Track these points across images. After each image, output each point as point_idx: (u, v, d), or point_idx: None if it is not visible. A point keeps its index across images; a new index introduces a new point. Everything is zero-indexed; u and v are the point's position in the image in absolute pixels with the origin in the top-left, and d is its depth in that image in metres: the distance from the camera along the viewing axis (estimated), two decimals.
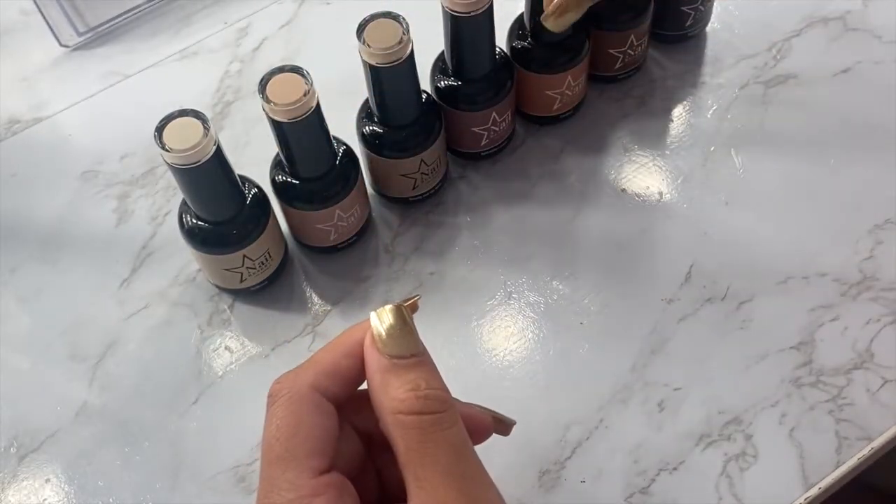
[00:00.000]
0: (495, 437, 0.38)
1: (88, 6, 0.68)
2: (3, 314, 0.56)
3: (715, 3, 0.64)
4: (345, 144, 0.53)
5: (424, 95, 0.54)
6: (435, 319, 0.54)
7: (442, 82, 0.55)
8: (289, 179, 0.52)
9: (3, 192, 0.61)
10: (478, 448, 0.34)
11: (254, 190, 0.52)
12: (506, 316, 0.54)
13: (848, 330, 0.53)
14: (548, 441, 0.50)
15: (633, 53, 0.60)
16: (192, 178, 0.47)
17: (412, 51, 0.48)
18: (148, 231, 0.59)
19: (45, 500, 0.50)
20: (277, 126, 0.47)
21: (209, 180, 0.48)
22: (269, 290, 0.56)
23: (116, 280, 0.57)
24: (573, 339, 0.53)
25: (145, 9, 0.68)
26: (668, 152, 0.60)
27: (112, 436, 0.52)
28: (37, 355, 0.55)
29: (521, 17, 0.57)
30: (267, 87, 0.46)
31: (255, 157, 0.57)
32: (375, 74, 0.49)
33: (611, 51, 0.59)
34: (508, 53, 0.57)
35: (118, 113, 0.64)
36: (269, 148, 0.51)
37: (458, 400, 0.35)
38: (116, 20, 0.68)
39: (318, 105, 0.47)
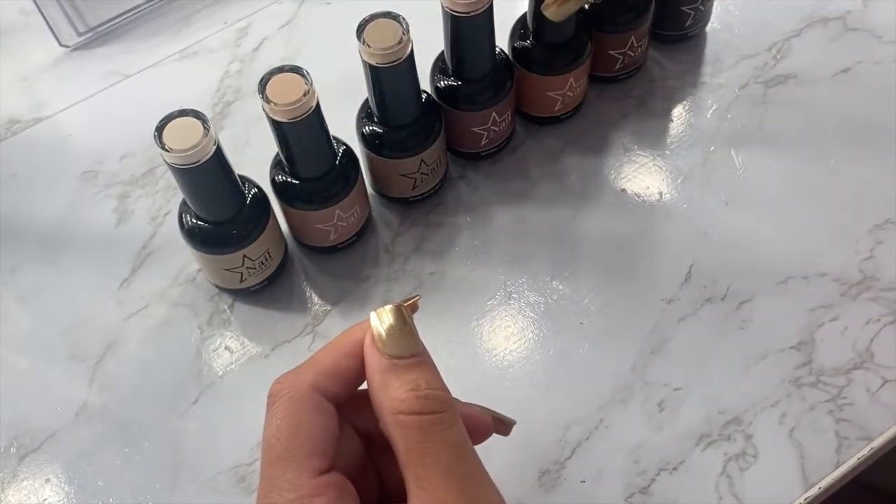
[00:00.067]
0: (495, 437, 0.38)
1: (88, 6, 0.68)
2: (3, 314, 0.56)
3: (715, 3, 0.64)
4: (345, 144, 0.53)
5: (424, 95, 0.54)
6: (435, 319, 0.54)
7: (442, 82, 0.55)
8: (289, 179, 0.52)
9: (3, 192, 0.61)
10: (478, 448, 0.34)
11: (254, 190, 0.52)
12: (506, 316, 0.54)
13: (848, 330, 0.53)
14: (548, 441, 0.50)
15: (633, 54, 0.60)
16: (192, 178, 0.47)
17: (412, 51, 0.48)
18: (148, 231, 0.59)
19: (45, 500, 0.50)
20: (277, 126, 0.47)
21: (209, 180, 0.48)
22: (269, 290, 0.56)
23: (116, 280, 0.57)
24: (573, 339, 0.53)
25: (145, 9, 0.68)
26: (668, 152, 0.60)
27: (112, 436, 0.52)
28: (37, 355, 0.55)
29: (522, 17, 0.57)
30: (267, 87, 0.46)
31: (255, 157, 0.57)
32: (375, 74, 0.49)
33: (611, 52, 0.59)
34: (510, 54, 0.57)
35: (118, 113, 0.64)
36: (269, 148, 0.51)
37: (458, 400, 0.35)
38: (116, 20, 0.68)
39: (318, 105, 0.47)
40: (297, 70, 0.47)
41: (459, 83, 0.54)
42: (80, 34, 0.67)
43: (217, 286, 0.55)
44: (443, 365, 0.35)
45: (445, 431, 0.32)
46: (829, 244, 0.56)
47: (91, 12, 0.67)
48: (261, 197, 0.52)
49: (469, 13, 0.49)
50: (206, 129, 0.45)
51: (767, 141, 0.60)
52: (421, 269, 0.56)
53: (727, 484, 0.48)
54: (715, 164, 0.59)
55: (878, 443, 0.49)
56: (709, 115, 0.61)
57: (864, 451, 0.49)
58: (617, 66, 0.61)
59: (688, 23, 0.62)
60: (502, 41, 0.55)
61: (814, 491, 0.48)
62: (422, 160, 0.54)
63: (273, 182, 0.52)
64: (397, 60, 0.48)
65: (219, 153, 0.46)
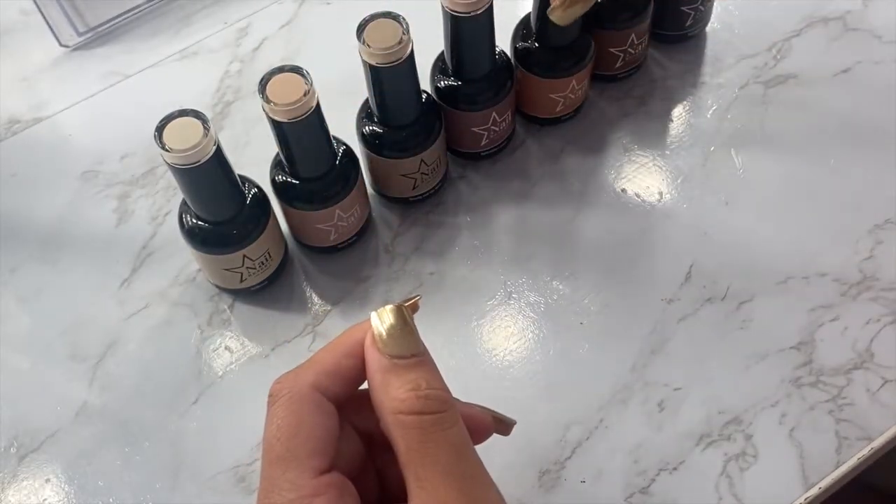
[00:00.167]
0: (495, 437, 0.38)
1: (88, 6, 0.68)
2: (3, 314, 0.56)
3: (715, 3, 0.64)
4: (345, 144, 0.53)
5: (424, 95, 0.54)
6: (435, 319, 0.54)
7: (442, 82, 0.55)
8: (289, 179, 0.52)
9: (3, 192, 0.61)
10: (478, 448, 0.34)
11: (254, 190, 0.52)
12: (506, 316, 0.54)
13: (848, 330, 0.53)
14: (548, 441, 0.50)
15: (633, 52, 0.60)
16: (192, 178, 0.47)
17: (412, 51, 0.48)
18: (148, 231, 0.59)
19: (45, 500, 0.50)
20: (277, 126, 0.47)
21: (209, 180, 0.48)
22: (269, 290, 0.56)
23: (116, 280, 0.57)
24: (573, 339, 0.53)
25: (145, 9, 0.68)
26: (668, 152, 0.60)
27: (112, 436, 0.52)
28: (37, 355, 0.55)
29: (525, 18, 0.57)
30: (267, 87, 0.46)
31: (255, 157, 0.57)
32: (375, 74, 0.49)
33: (611, 50, 0.59)
34: (513, 55, 0.57)
35: (118, 113, 0.64)
36: (269, 148, 0.51)
37: (458, 400, 0.35)
38: (116, 20, 0.68)
39: (318, 105, 0.47)
40: (297, 70, 0.47)
41: (459, 83, 0.54)
42: (80, 34, 0.67)
43: (217, 286, 0.55)
44: (443, 365, 0.35)
45: (446, 431, 0.32)
46: (829, 244, 0.56)
47: (91, 12, 0.67)
48: (261, 197, 0.52)
49: (469, 13, 0.49)
50: (206, 129, 0.45)
51: (767, 141, 0.60)
52: (421, 269, 0.56)
53: (727, 484, 0.48)
54: (715, 164, 0.59)
55: (878, 443, 0.49)
56: (709, 115, 0.61)
57: (864, 451, 0.49)
58: (617, 65, 0.61)
59: (688, 23, 0.62)
60: (502, 41, 0.55)
61: (814, 491, 0.48)
62: (422, 160, 0.54)
63: (273, 182, 0.52)
64: (397, 60, 0.48)
65: (219, 153, 0.46)
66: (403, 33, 0.47)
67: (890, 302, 0.53)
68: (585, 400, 0.51)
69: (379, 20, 0.48)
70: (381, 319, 0.34)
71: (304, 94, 0.46)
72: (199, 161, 0.45)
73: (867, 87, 0.62)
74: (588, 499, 0.48)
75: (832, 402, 0.50)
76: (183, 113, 0.46)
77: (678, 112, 0.62)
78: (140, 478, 0.50)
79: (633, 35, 0.59)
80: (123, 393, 0.53)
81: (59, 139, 0.64)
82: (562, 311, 0.54)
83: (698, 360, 0.52)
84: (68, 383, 0.54)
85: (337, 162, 0.52)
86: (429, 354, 0.34)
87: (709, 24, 0.65)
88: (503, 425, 0.39)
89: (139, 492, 0.50)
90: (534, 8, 0.55)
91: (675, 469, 0.49)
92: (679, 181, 0.59)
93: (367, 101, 0.53)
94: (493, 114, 0.55)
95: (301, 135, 0.48)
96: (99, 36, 0.68)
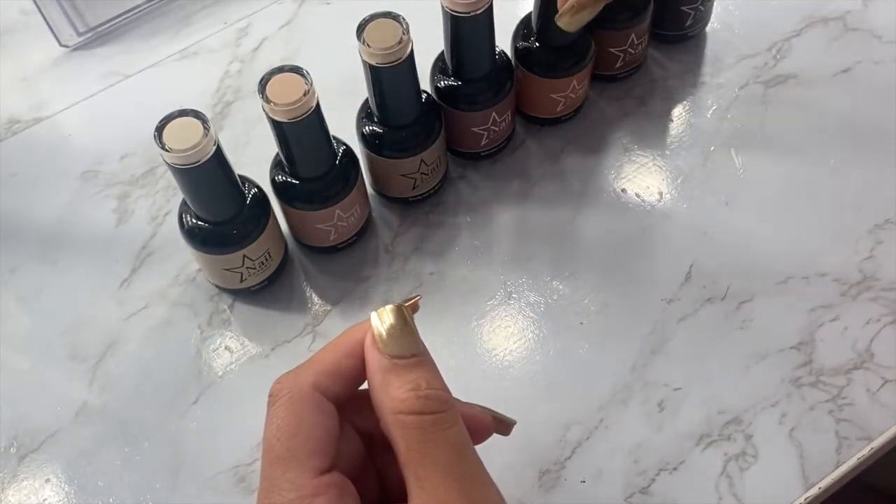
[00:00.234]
0: (495, 437, 0.38)
1: (88, 6, 0.68)
2: (3, 314, 0.56)
3: (715, 3, 0.64)
4: (345, 144, 0.53)
5: (424, 95, 0.54)
6: (435, 319, 0.54)
7: (442, 82, 0.55)
8: (289, 179, 0.52)
9: (3, 192, 0.61)
10: (478, 448, 0.34)
11: (254, 190, 0.52)
12: (506, 316, 0.54)
13: (848, 330, 0.53)
14: (548, 441, 0.50)
15: (633, 52, 0.60)
16: (192, 178, 0.47)
17: (412, 51, 0.48)
18: (148, 231, 0.59)
19: (45, 500, 0.50)
20: (277, 126, 0.47)
21: (209, 180, 0.48)
22: (269, 290, 0.56)
23: (116, 280, 0.57)
24: (573, 339, 0.53)
25: (145, 9, 0.68)
26: (668, 152, 0.60)
27: (112, 436, 0.52)
28: (37, 355, 0.55)
29: (526, 18, 0.57)
30: (267, 87, 0.46)
31: (255, 157, 0.57)
32: (375, 74, 0.49)
33: (611, 49, 0.59)
34: (513, 55, 0.57)
35: (118, 113, 0.64)
36: (269, 148, 0.51)
37: (458, 400, 0.35)
38: (116, 20, 0.68)
39: (318, 105, 0.47)
40: (297, 70, 0.47)
41: (459, 83, 0.54)
42: (80, 34, 0.67)
43: (217, 286, 0.55)
44: (443, 365, 0.35)
45: (446, 431, 0.32)
46: (829, 244, 0.56)
47: (91, 12, 0.67)
48: (261, 197, 0.52)
49: (469, 13, 0.49)
50: (206, 129, 0.45)
51: (767, 141, 0.60)
52: (421, 269, 0.56)
53: (727, 484, 0.48)
54: (715, 164, 0.59)
55: (878, 443, 0.49)
56: (709, 115, 0.61)
57: (864, 451, 0.49)
58: (618, 64, 0.61)
59: (688, 23, 0.62)
60: (503, 41, 0.55)
61: (814, 491, 0.48)
62: (422, 160, 0.54)
63: (273, 182, 0.52)
64: (397, 60, 0.48)
65: (219, 153, 0.46)
66: (403, 33, 0.47)
67: (890, 302, 0.53)
68: (585, 400, 0.51)
69: (379, 20, 0.48)
70: (381, 319, 0.34)
71: (304, 94, 0.46)
72: (198, 161, 0.45)
73: (867, 87, 0.62)
74: (588, 499, 0.48)
75: (832, 402, 0.50)
76: (183, 113, 0.46)
77: (678, 112, 0.62)
78: (140, 478, 0.50)
79: (633, 35, 0.59)
80: (123, 393, 0.53)
81: (58, 139, 0.64)
82: (562, 311, 0.54)
83: (698, 360, 0.52)
84: (68, 383, 0.54)
85: (337, 162, 0.52)
86: (429, 354, 0.34)
87: (709, 24, 0.65)
88: (503, 425, 0.39)
89: (139, 492, 0.50)
90: (535, 8, 0.55)
91: (675, 469, 0.49)
92: (679, 181, 0.59)
93: (367, 101, 0.53)
94: (493, 114, 0.55)
95: (301, 135, 0.48)
96: (99, 36, 0.68)
